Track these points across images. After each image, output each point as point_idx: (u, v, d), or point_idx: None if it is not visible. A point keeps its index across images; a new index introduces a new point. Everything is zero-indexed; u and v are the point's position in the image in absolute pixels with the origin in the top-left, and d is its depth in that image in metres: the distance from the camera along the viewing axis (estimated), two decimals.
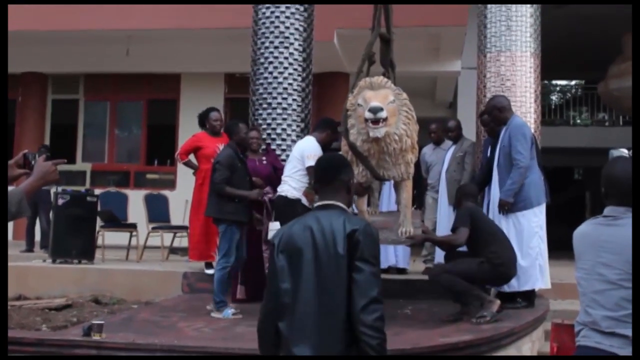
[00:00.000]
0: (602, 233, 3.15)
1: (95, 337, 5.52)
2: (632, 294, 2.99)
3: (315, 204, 3.29)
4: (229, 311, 6.78)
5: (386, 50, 7.26)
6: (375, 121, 5.97)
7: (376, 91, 6.16)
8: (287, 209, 6.78)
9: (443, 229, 8.10)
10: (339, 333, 2.98)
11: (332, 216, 3.15)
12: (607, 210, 3.18)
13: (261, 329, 3.22)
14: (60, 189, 9.58)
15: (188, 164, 8.75)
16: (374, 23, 7.17)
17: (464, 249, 6.59)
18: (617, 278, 3.03)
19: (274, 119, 8.22)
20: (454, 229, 6.55)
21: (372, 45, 7.01)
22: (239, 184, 7.02)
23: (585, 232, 3.25)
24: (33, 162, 3.22)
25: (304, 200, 6.96)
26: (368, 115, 5.96)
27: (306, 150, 6.97)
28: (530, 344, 6.45)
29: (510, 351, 6.04)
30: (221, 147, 8.36)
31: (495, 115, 7.42)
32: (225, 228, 6.97)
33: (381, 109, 5.95)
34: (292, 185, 7.00)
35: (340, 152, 6.42)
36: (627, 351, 2.95)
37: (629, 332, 2.96)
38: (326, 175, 3.30)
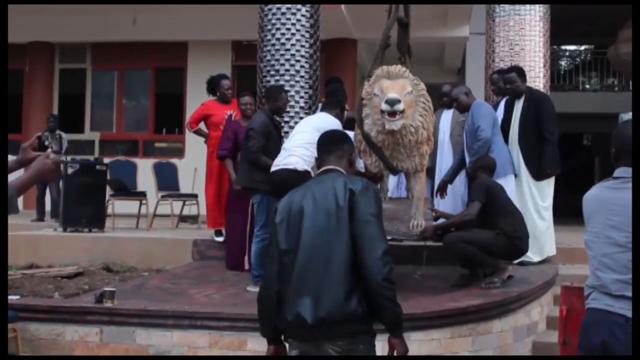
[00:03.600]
0: (611, 196, 3.14)
1: (107, 304, 5.59)
2: (631, 260, 2.99)
3: (318, 172, 3.37)
4: None
5: (404, 34, 6.98)
6: (392, 113, 5.76)
7: (393, 81, 5.95)
8: (299, 182, 6.37)
9: (448, 199, 8.03)
10: (340, 282, 3.01)
11: (332, 177, 3.24)
12: (618, 172, 3.17)
13: (263, 295, 3.25)
14: (69, 158, 9.61)
15: (198, 132, 8.74)
16: (391, 6, 6.92)
17: None
18: (626, 241, 3.03)
19: (281, 85, 8.18)
20: (468, 202, 6.54)
21: (389, 29, 6.72)
22: (273, 152, 6.68)
23: (595, 195, 3.24)
24: (46, 142, 3.24)
25: (312, 173, 6.57)
26: (385, 107, 5.76)
27: (332, 126, 6.37)
28: (540, 308, 6.49)
29: (520, 315, 6.08)
30: (230, 114, 8.35)
31: (460, 101, 7.45)
32: (260, 198, 6.75)
33: (398, 101, 5.73)
34: (303, 156, 6.45)
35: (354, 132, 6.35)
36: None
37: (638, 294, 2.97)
38: (330, 144, 3.41)
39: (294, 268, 3.09)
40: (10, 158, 3.25)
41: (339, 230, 3.06)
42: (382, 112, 5.81)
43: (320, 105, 8.22)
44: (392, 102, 5.73)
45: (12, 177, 3.00)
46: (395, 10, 6.79)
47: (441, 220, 6.66)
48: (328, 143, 3.43)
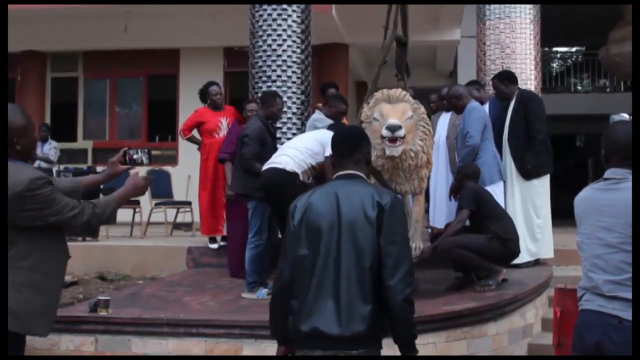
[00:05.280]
0: (602, 197, 3.15)
1: (102, 313, 5.57)
2: (632, 258, 3.00)
3: (336, 174, 3.23)
4: (263, 291, 6.49)
5: (401, 53, 6.90)
6: (393, 139, 5.71)
7: (394, 105, 5.87)
8: (286, 182, 6.24)
9: (442, 196, 8.03)
10: (366, 300, 2.96)
11: (357, 184, 3.13)
12: (608, 173, 3.18)
13: (277, 295, 3.17)
14: (62, 167, 9.58)
15: (191, 139, 8.73)
16: (388, 23, 6.79)
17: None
18: (617, 241, 3.04)
19: (275, 91, 8.16)
20: (457, 210, 6.56)
21: (388, 49, 6.61)
22: (268, 158, 6.58)
23: (585, 197, 3.26)
24: (135, 156, 3.60)
25: (302, 177, 6.44)
26: (385, 133, 5.70)
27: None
28: (534, 311, 6.49)
29: (515, 318, 6.08)
30: (223, 120, 8.35)
31: (453, 103, 7.46)
32: (254, 205, 6.70)
33: (399, 127, 5.67)
34: (295, 158, 6.38)
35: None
36: (631, 314, 2.96)
37: (630, 295, 2.97)
38: (347, 147, 3.24)
39: (312, 275, 3.01)
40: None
41: (364, 244, 2.98)
42: (383, 137, 5.75)
43: (316, 111, 8.21)
44: (393, 129, 5.67)
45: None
46: (393, 29, 6.69)
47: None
48: (345, 145, 3.26)
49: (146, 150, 3.65)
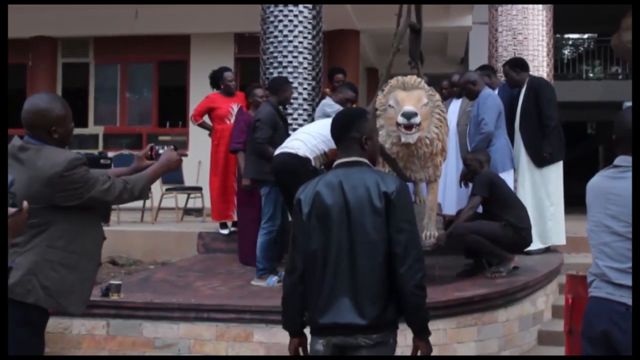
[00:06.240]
0: (609, 185, 3.15)
1: (114, 297, 5.61)
2: (631, 249, 3.00)
3: (337, 162, 3.19)
4: (274, 279, 6.45)
5: (415, 41, 6.84)
6: (409, 126, 5.69)
7: (409, 92, 5.84)
8: (298, 168, 6.18)
9: (452, 183, 8.02)
10: (379, 290, 2.98)
11: (361, 171, 3.09)
12: (618, 160, 3.17)
13: (290, 287, 3.16)
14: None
15: (203, 125, 8.74)
16: (400, 10, 6.73)
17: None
18: (624, 230, 3.04)
19: (286, 77, 8.15)
20: (470, 196, 6.55)
21: (401, 37, 6.55)
22: (279, 143, 6.56)
23: (595, 184, 3.26)
24: (161, 151, 3.68)
25: (314, 163, 6.43)
26: (401, 120, 5.69)
27: None
28: (545, 297, 6.50)
29: (525, 304, 6.09)
30: (235, 106, 8.35)
31: (469, 88, 7.44)
32: (268, 190, 6.68)
33: (415, 114, 5.66)
34: (308, 143, 6.35)
35: None
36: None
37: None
38: (342, 127, 3.21)
39: (325, 270, 3.02)
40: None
41: (375, 237, 2.98)
42: (398, 124, 5.74)
43: (327, 98, 8.20)
44: (408, 115, 5.65)
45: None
46: (407, 16, 6.64)
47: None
48: (340, 126, 3.22)
49: (172, 146, 3.72)
